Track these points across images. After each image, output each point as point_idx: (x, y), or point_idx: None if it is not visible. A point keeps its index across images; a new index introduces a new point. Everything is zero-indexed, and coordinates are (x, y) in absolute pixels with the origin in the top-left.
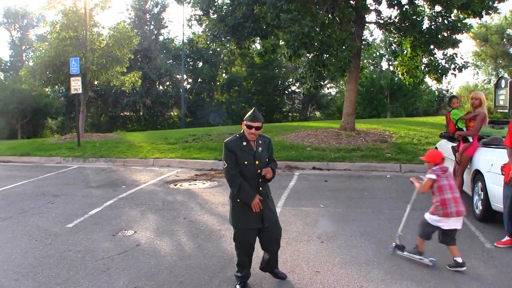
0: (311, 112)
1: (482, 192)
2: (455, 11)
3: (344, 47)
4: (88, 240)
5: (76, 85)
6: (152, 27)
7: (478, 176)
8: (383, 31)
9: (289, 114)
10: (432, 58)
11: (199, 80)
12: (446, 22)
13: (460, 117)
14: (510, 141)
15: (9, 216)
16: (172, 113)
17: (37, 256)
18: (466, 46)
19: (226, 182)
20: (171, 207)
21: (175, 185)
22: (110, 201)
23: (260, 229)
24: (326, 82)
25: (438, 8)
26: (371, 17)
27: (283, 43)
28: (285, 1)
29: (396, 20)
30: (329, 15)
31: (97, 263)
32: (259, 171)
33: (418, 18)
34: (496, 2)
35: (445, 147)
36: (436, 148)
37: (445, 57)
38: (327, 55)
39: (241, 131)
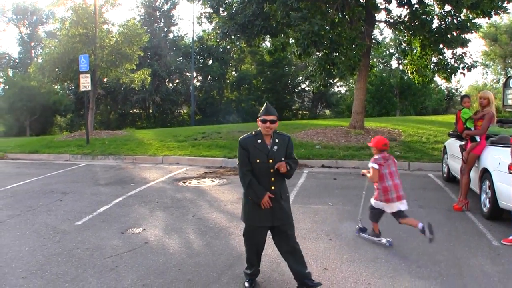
0: (320, 110)
1: (490, 191)
2: (464, 10)
3: (353, 46)
4: (96, 238)
5: (85, 82)
6: (162, 24)
7: (485, 174)
8: (393, 30)
9: (299, 112)
10: (441, 57)
11: (209, 77)
12: (455, 21)
13: (470, 116)
14: None
15: (17, 214)
16: (181, 111)
17: (45, 254)
18: (476, 46)
19: (235, 180)
20: (180, 205)
21: (184, 183)
22: (118, 199)
23: (272, 229)
24: (335, 80)
25: (447, 7)
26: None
27: (293, 41)
28: None
29: (406, 19)
30: (339, 13)
31: (106, 261)
32: (272, 170)
33: (427, 18)
34: (506, 2)
35: (453, 145)
36: (445, 147)
37: (454, 56)
38: (337, 54)
39: (257, 129)
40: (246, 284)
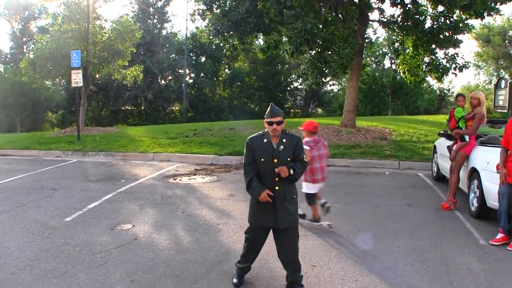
0: (313, 108)
1: (478, 190)
2: (457, 11)
3: (346, 44)
4: (85, 234)
5: (77, 78)
6: (155, 21)
7: (474, 174)
8: (386, 30)
9: (291, 110)
10: (433, 57)
11: (202, 75)
12: (448, 22)
13: (462, 116)
14: (504, 140)
15: (6, 210)
16: (173, 108)
17: (34, 249)
18: (469, 47)
19: (225, 177)
20: (169, 201)
21: (174, 180)
22: (108, 195)
23: (275, 232)
24: (328, 79)
25: (440, 8)
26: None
27: (285, 39)
28: None
29: (399, 19)
30: (333, 12)
31: (95, 257)
32: (276, 170)
33: (420, 18)
34: (499, 3)
35: (443, 145)
36: (435, 146)
37: (446, 56)
38: (330, 52)
39: (265, 129)
40: (235, 280)
